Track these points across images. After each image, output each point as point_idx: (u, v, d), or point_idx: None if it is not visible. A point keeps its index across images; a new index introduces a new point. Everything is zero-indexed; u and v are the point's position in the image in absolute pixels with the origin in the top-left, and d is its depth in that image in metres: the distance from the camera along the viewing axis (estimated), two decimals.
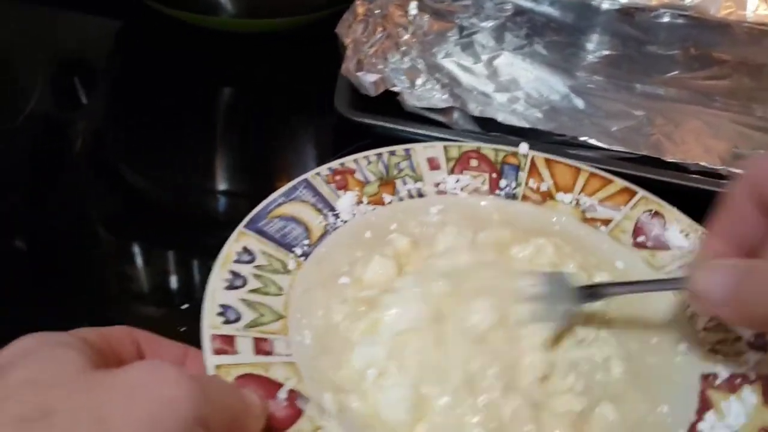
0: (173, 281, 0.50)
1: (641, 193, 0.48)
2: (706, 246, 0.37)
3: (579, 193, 0.48)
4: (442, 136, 0.54)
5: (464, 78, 0.64)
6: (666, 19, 0.73)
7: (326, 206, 0.44)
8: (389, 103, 0.58)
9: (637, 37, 0.72)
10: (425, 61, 0.64)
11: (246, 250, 0.40)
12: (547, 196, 0.48)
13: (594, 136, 0.56)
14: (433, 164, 0.48)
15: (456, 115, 0.57)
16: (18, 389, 0.26)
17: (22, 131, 0.60)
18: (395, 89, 0.58)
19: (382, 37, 0.64)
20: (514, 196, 0.48)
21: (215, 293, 0.37)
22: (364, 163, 0.47)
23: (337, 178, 0.46)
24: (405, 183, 0.47)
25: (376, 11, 0.65)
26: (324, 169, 0.46)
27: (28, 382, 0.26)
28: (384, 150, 0.48)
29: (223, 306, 0.36)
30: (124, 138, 0.63)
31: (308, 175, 0.45)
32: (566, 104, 0.63)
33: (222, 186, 0.60)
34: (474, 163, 0.49)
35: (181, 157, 0.60)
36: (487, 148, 0.50)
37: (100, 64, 0.71)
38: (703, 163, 0.55)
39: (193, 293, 0.49)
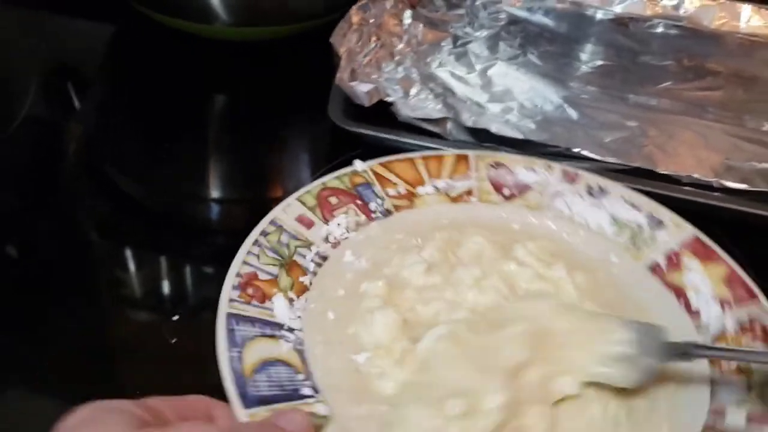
0: (165, 287, 0.50)
1: (471, 154, 0.50)
2: None
3: (430, 179, 0.49)
4: (434, 146, 0.54)
5: (458, 88, 0.64)
6: (660, 29, 0.73)
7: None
8: (383, 112, 0.58)
9: (631, 47, 0.72)
10: (419, 70, 0.64)
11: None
12: (411, 195, 0.48)
13: (587, 148, 0.56)
14: (305, 221, 0.45)
15: (450, 125, 0.57)
16: None
17: (14, 137, 0.60)
18: (389, 99, 0.58)
19: (377, 47, 0.64)
20: (389, 212, 0.47)
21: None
22: (255, 261, 0.41)
23: (250, 291, 0.41)
24: (304, 256, 0.43)
25: (371, 20, 0.65)
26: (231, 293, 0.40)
27: None
28: (257, 237, 0.43)
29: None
30: (116, 144, 0.63)
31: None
32: (560, 115, 0.63)
33: (215, 193, 0.60)
34: (333, 200, 0.46)
35: (174, 163, 0.60)
36: (331, 180, 0.47)
37: (92, 70, 0.71)
38: (695, 175, 0.55)
39: (186, 299, 0.49)
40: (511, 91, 0.64)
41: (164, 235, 0.54)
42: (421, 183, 0.48)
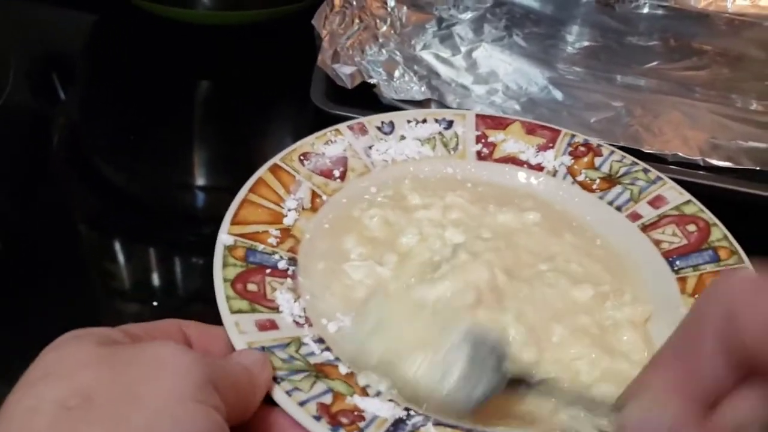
0: (154, 277, 0.49)
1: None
2: (656, 377, 0.29)
3: None
4: None
5: (443, 70, 0.63)
6: (646, 9, 0.73)
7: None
8: (366, 95, 0.57)
9: (616, 28, 0.71)
10: (403, 53, 0.63)
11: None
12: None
13: (572, 128, 0.55)
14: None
15: (434, 107, 0.57)
16: (54, 367, 0.28)
17: None
18: (372, 81, 0.57)
19: (360, 29, 0.63)
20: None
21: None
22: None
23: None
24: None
25: (354, 2, 0.64)
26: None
27: (61, 361, 0.28)
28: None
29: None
30: (100, 132, 0.62)
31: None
32: (545, 96, 0.62)
33: (200, 180, 0.59)
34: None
35: (159, 151, 0.60)
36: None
37: (76, 59, 0.71)
38: (681, 154, 0.55)
39: (175, 289, 0.49)
40: (496, 73, 0.64)
41: (150, 224, 0.53)
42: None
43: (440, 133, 0.50)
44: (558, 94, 0.63)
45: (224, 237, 0.39)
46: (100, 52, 0.71)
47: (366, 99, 0.57)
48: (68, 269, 0.49)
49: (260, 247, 0.40)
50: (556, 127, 0.51)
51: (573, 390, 0.36)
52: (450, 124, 0.50)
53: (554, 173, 0.48)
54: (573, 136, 0.50)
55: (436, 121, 0.51)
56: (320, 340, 0.36)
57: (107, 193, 0.57)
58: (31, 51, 0.69)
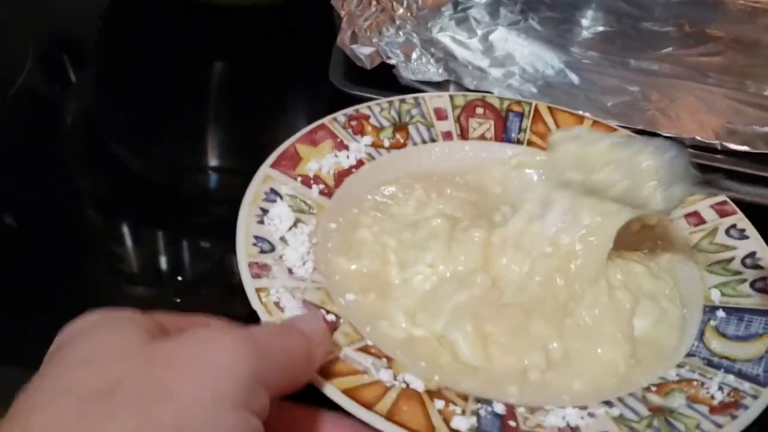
0: (166, 260, 0.50)
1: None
2: None
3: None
4: None
5: (459, 52, 0.63)
6: None
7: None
8: (384, 76, 0.57)
9: (631, 13, 0.72)
10: (420, 35, 0.63)
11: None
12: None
13: (590, 112, 0.56)
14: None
15: (452, 89, 0.57)
16: (89, 355, 0.27)
17: (10, 110, 0.59)
18: (391, 62, 0.57)
19: (377, 11, 0.63)
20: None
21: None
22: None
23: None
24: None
25: None
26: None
27: (97, 350, 0.27)
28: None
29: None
30: (114, 115, 0.62)
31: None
32: (561, 79, 0.62)
33: (215, 162, 0.59)
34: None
35: (173, 133, 0.60)
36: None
37: (89, 41, 0.70)
38: (698, 138, 0.55)
39: (186, 272, 0.49)
40: (512, 56, 0.64)
41: (165, 207, 0.53)
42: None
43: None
44: (574, 78, 0.63)
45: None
46: (114, 34, 0.70)
47: (384, 80, 0.57)
48: (80, 251, 0.49)
49: None
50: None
51: None
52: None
53: None
54: None
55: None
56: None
57: (119, 175, 0.57)
58: (46, 34, 0.69)
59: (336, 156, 0.45)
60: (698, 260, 0.43)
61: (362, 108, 0.49)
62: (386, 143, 0.47)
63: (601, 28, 0.70)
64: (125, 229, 0.52)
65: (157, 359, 0.27)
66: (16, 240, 0.50)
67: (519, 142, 0.49)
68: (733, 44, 0.69)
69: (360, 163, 0.46)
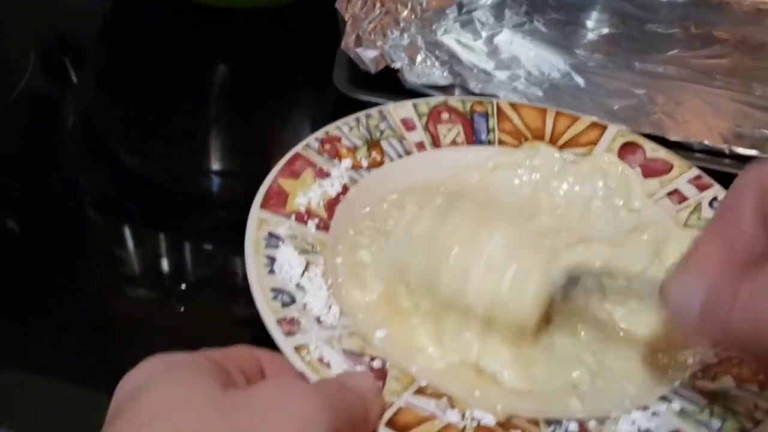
0: (168, 262, 0.49)
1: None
2: (697, 251, 0.30)
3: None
4: None
5: (464, 55, 0.63)
6: None
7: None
8: (388, 80, 0.57)
9: (637, 15, 0.71)
10: (424, 38, 0.63)
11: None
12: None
13: (596, 115, 0.55)
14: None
15: (457, 92, 0.57)
16: (161, 410, 0.26)
17: (11, 111, 0.59)
18: (395, 66, 0.57)
19: (381, 14, 0.63)
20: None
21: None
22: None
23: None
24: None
25: None
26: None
27: (168, 403, 0.26)
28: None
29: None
30: (116, 117, 0.62)
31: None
32: (567, 82, 0.62)
33: (218, 165, 0.59)
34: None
35: (176, 136, 0.59)
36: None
37: (90, 42, 0.70)
38: (706, 142, 0.54)
39: (188, 274, 0.49)
40: (517, 59, 0.64)
41: (167, 209, 0.53)
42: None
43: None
44: (580, 81, 0.62)
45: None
46: (116, 36, 0.70)
47: (389, 84, 0.56)
48: (82, 252, 0.49)
49: None
50: None
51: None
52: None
53: None
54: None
55: None
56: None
57: (121, 177, 0.56)
58: (47, 36, 0.68)
59: (320, 185, 0.44)
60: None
61: (331, 129, 0.47)
62: (365, 163, 0.46)
63: (606, 30, 0.69)
64: (127, 231, 0.51)
65: (234, 408, 0.26)
66: (17, 241, 0.50)
67: (490, 142, 0.49)
68: (739, 46, 0.69)
69: (345, 189, 0.44)
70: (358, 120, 0.48)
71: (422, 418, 0.33)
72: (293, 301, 0.37)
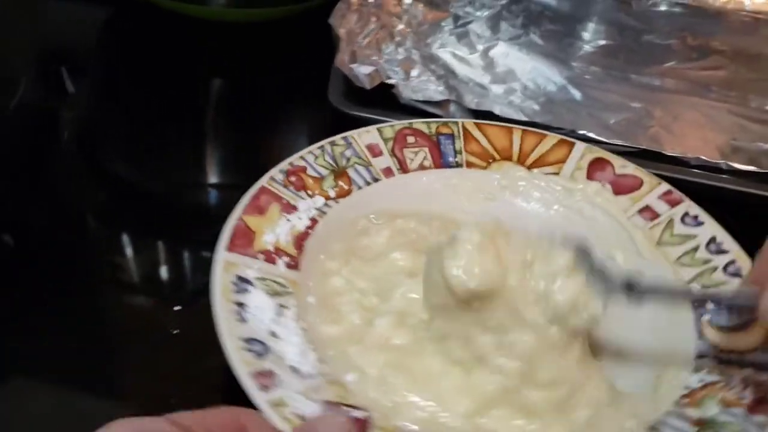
0: (164, 274, 0.49)
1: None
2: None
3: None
4: None
5: (460, 69, 0.63)
6: (663, 7, 0.73)
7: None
8: (384, 95, 0.57)
9: (633, 26, 0.71)
10: (420, 51, 0.63)
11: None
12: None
13: (593, 130, 0.55)
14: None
15: (452, 107, 0.56)
16: None
17: (8, 122, 0.59)
18: (390, 81, 0.57)
19: (376, 28, 0.62)
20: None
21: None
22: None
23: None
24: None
25: (370, 0, 0.64)
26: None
27: None
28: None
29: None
30: (112, 129, 0.62)
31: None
32: (563, 96, 0.62)
33: (213, 178, 0.59)
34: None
35: (171, 148, 0.59)
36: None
37: (88, 54, 0.70)
38: (703, 157, 0.54)
39: (184, 286, 0.49)
40: (513, 72, 0.63)
41: (161, 221, 0.53)
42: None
43: None
44: (576, 94, 0.62)
45: None
46: (112, 47, 0.70)
47: (384, 100, 0.56)
48: (78, 263, 0.49)
49: None
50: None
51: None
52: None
53: None
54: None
55: None
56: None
57: (118, 189, 0.56)
58: (42, 46, 0.68)
59: (288, 220, 0.42)
60: (667, 256, 0.44)
61: (296, 160, 0.46)
62: (332, 194, 0.45)
63: (603, 42, 0.69)
64: (123, 242, 0.51)
65: None
66: (12, 251, 0.49)
67: (458, 165, 0.49)
68: (736, 57, 0.69)
69: (314, 222, 0.43)
70: (322, 148, 0.47)
71: None
72: (267, 350, 0.35)
